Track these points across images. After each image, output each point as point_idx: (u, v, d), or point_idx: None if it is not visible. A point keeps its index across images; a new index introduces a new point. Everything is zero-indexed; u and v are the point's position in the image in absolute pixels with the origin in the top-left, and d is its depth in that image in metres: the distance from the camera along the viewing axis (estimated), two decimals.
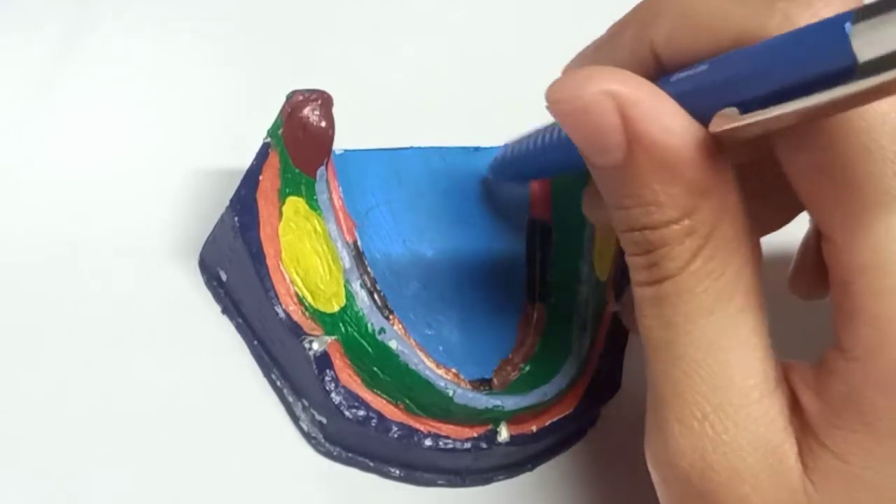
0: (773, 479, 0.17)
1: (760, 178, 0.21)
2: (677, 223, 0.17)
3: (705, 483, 0.18)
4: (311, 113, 0.24)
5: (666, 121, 0.17)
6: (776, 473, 0.17)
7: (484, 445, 0.25)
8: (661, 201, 0.17)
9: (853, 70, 0.14)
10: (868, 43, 0.14)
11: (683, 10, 0.18)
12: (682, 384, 0.18)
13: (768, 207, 0.22)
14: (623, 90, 0.17)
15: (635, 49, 0.19)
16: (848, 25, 0.14)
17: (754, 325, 0.18)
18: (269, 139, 0.24)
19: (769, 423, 0.17)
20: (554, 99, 0.17)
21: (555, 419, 0.26)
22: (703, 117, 0.17)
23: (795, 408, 0.18)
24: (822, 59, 0.14)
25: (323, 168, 0.25)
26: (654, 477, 0.20)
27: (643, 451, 0.20)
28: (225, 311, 0.27)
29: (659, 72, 0.19)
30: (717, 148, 0.17)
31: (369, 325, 0.25)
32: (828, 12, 0.16)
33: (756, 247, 0.18)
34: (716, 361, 0.18)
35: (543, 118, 0.29)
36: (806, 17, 0.16)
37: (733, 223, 0.17)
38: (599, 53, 0.21)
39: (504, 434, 0.25)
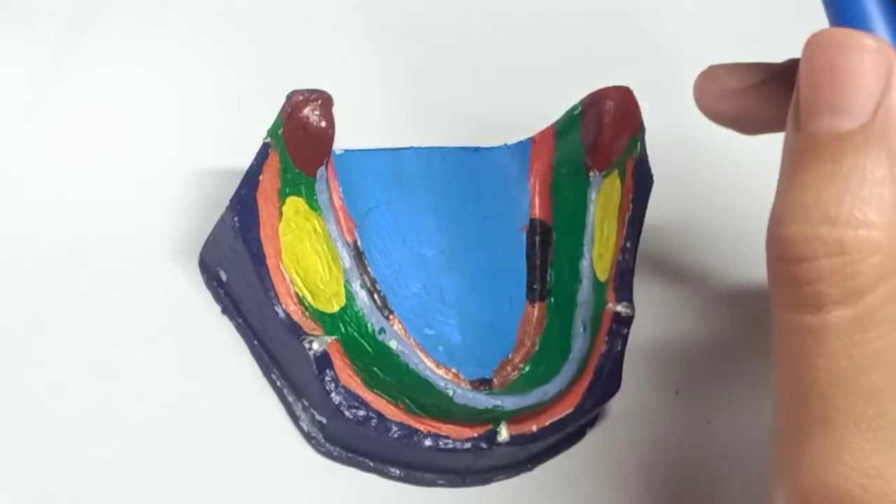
0: None
1: None
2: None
3: None
4: (311, 113, 0.24)
5: None
6: None
7: (484, 445, 0.25)
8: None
9: None
10: None
11: None
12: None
13: None
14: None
15: None
16: None
17: None
18: (269, 139, 0.24)
19: None
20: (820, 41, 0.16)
21: (555, 419, 0.26)
22: None
23: None
24: None
25: (323, 168, 0.25)
26: None
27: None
28: (225, 311, 0.27)
29: None
30: None
31: (369, 325, 0.25)
32: None
33: None
34: None
35: (543, 119, 0.29)
36: None
37: None
38: None
39: (504, 434, 0.25)
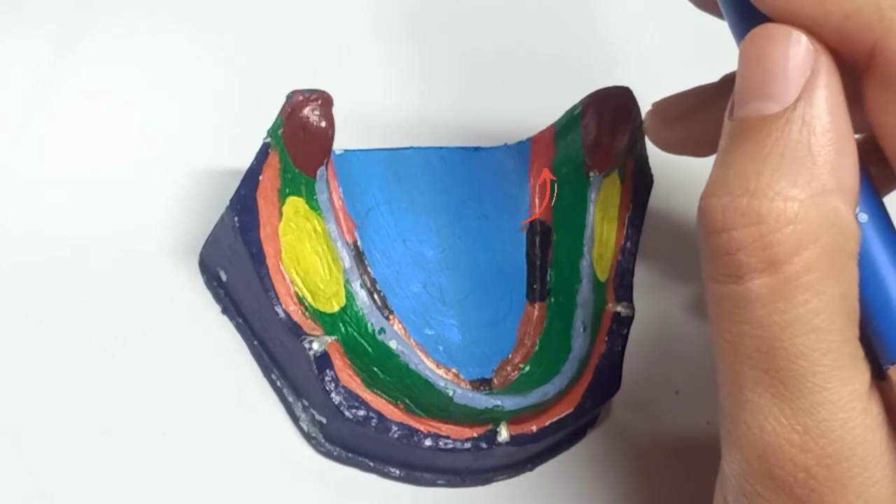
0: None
1: None
2: None
3: None
4: (311, 113, 0.24)
5: None
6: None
7: (484, 445, 0.25)
8: None
9: None
10: None
11: None
12: None
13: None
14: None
15: None
16: None
17: None
18: (269, 139, 0.24)
19: None
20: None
21: (555, 419, 0.26)
22: None
23: None
24: None
25: (323, 168, 0.25)
26: None
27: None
28: (225, 311, 0.27)
29: None
30: None
31: (369, 325, 0.25)
32: None
33: None
34: None
35: (543, 119, 0.29)
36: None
37: None
38: None
39: (504, 434, 0.25)
